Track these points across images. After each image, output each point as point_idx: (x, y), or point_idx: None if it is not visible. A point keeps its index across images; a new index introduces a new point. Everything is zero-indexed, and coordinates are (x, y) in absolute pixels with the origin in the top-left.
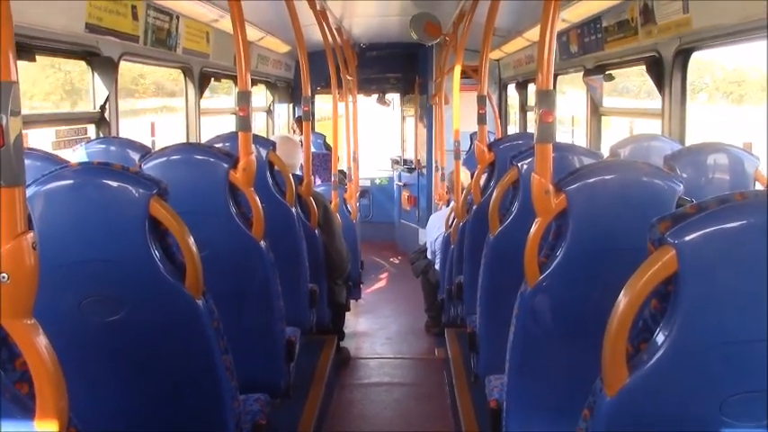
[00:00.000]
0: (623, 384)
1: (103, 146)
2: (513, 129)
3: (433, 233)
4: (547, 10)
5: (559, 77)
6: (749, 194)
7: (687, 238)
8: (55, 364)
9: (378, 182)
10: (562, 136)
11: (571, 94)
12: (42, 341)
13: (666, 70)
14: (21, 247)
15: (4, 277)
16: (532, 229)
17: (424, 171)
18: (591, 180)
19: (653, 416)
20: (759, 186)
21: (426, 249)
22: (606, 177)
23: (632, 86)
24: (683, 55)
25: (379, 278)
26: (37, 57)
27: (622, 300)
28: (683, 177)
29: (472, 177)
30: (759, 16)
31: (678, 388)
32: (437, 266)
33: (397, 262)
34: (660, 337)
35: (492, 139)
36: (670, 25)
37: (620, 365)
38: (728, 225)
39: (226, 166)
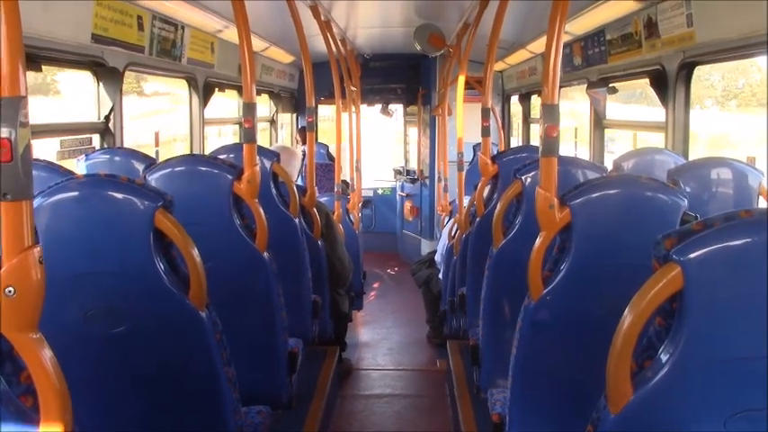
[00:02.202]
0: (627, 401)
1: (108, 156)
2: (515, 140)
3: (447, 239)
4: (552, 24)
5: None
6: (755, 212)
7: (692, 256)
8: (59, 377)
9: (380, 192)
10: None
11: (573, 103)
12: (47, 355)
13: (670, 84)
14: (27, 262)
15: (10, 291)
16: (536, 243)
17: (427, 182)
18: (595, 195)
19: None
20: (763, 201)
21: (429, 259)
22: (610, 192)
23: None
24: (687, 68)
25: (382, 288)
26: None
27: (627, 317)
28: (687, 192)
29: (475, 189)
30: (763, 31)
31: (682, 405)
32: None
33: (399, 273)
34: (664, 355)
35: (495, 151)
36: (674, 39)
37: (625, 382)
38: (734, 243)
39: (230, 177)
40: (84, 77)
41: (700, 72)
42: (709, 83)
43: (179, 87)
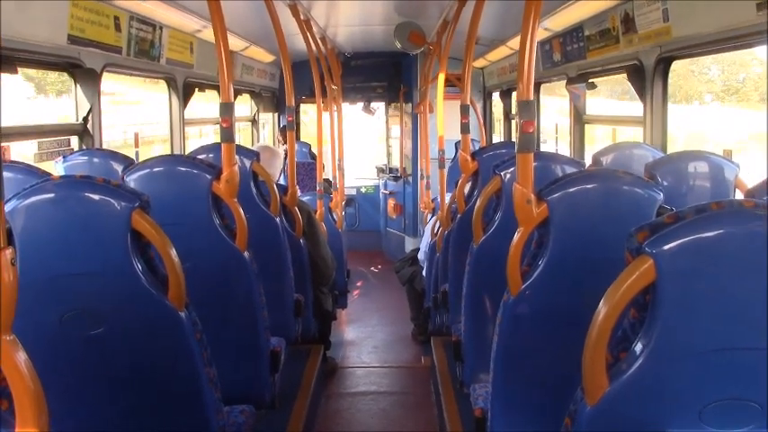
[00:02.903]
0: (603, 393)
1: (86, 158)
2: (497, 137)
3: (429, 236)
4: (527, 21)
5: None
6: (725, 203)
7: (665, 248)
8: (34, 379)
9: (363, 190)
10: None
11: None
12: (21, 357)
13: (648, 78)
14: None
15: None
16: (515, 239)
17: (410, 179)
18: (572, 189)
19: (633, 424)
20: (739, 194)
21: (412, 257)
22: (587, 186)
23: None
24: (664, 63)
25: (366, 287)
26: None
27: (601, 309)
28: (664, 185)
29: (456, 186)
30: (738, 25)
31: (657, 396)
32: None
33: (383, 270)
34: (639, 347)
35: (477, 148)
36: (650, 34)
37: (600, 374)
38: (705, 234)
39: (209, 177)
40: None
41: (698, 66)
42: (707, 77)
43: (134, 87)
